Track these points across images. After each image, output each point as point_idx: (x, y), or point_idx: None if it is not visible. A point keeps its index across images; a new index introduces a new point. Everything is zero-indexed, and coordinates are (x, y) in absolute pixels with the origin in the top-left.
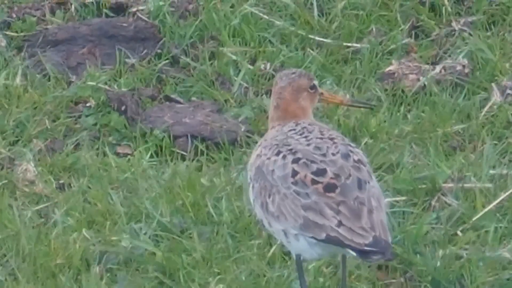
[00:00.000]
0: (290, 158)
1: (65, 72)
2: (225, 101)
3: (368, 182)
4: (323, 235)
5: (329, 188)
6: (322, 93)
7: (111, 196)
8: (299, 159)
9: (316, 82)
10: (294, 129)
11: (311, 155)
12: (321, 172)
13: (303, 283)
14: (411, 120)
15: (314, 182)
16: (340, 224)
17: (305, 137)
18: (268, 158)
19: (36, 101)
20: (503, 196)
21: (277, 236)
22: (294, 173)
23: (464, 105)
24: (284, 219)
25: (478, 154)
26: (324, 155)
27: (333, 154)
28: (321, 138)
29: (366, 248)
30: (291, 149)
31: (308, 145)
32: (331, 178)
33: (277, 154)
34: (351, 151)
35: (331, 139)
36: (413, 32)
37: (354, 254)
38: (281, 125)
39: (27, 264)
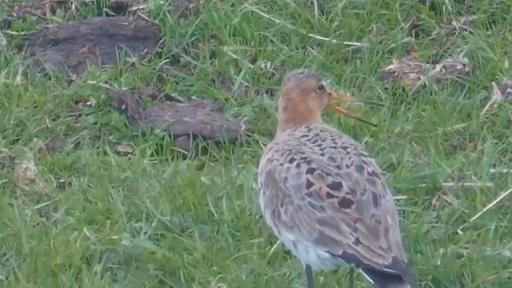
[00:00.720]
0: (304, 167)
1: (65, 71)
2: (226, 100)
3: (384, 196)
4: (339, 251)
5: (345, 203)
6: (330, 94)
7: (111, 195)
8: (314, 169)
9: (324, 83)
10: (307, 135)
11: (326, 166)
12: (337, 186)
13: None
14: (411, 119)
15: (329, 195)
16: (357, 242)
17: (319, 145)
18: (281, 164)
19: (37, 100)
20: (503, 195)
21: (287, 245)
22: (309, 184)
23: (464, 104)
24: (298, 231)
25: (478, 153)
26: (338, 167)
27: (347, 166)
28: (335, 148)
29: (385, 269)
30: (305, 158)
31: (322, 155)
32: (347, 193)
33: (291, 161)
34: (365, 162)
35: (344, 148)
36: (413, 31)
37: (368, 278)
38: (292, 128)
39: (27, 263)
